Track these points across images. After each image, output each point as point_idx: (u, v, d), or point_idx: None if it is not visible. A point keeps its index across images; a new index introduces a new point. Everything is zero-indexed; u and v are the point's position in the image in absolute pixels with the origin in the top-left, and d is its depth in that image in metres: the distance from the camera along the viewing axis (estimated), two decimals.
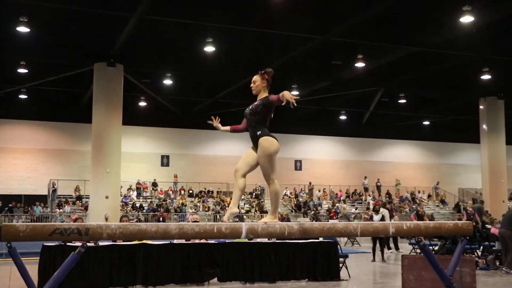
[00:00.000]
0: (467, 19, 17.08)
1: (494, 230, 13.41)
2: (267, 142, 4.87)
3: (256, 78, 5.15)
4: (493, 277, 11.23)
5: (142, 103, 29.71)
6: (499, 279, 10.94)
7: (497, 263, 12.38)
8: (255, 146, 5.02)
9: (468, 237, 5.30)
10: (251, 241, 9.62)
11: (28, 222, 24.00)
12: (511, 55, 21.72)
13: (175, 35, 20.23)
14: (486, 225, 15.62)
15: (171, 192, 30.92)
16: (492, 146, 27.34)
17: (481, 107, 27.84)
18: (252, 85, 5.17)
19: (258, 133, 4.94)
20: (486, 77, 24.23)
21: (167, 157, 32.70)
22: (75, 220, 12.31)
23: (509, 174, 29.00)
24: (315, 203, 32.30)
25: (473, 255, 12.95)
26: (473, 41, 19.87)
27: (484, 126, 27.70)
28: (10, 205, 27.15)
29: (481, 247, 13.88)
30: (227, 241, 9.46)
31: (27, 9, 17.55)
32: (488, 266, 12.38)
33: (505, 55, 21.81)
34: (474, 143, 32.13)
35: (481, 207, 22.41)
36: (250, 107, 5.10)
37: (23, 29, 18.21)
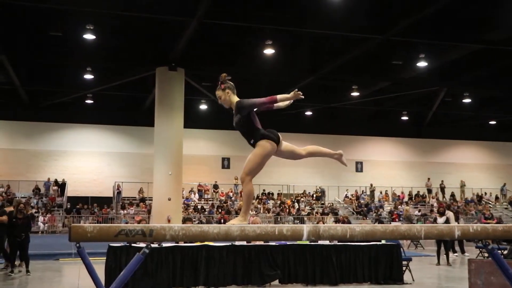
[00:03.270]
0: None
1: None
2: (266, 143, 4.81)
3: (218, 93, 4.97)
4: None
5: (203, 106, 30.10)
6: None
7: None
8: None
9: None
10: (312, 243, 9.58)
11: (95, 223, 24.77)
12: None
13: (234, 38, 20.39)
14: None
15: (232, 194, 31.18)
16: None
17: None
18: (219, 101, 5.02)
19: (252, 141, 4.89)
20: None
21: (228, 159, 32.98)
22: (139, 222, 12.64)
23: None
24: (377, 205, 31.79)
25: None
26: None
27: None
28: (77, 206, 28.11)
29: None
30: (288, 243, 9.45)
31: (93, 17, 18.18)
32: None
33: None
34: None
35: None
36: (234, 120, 4.97)
37: (89, 36, 18.92)
